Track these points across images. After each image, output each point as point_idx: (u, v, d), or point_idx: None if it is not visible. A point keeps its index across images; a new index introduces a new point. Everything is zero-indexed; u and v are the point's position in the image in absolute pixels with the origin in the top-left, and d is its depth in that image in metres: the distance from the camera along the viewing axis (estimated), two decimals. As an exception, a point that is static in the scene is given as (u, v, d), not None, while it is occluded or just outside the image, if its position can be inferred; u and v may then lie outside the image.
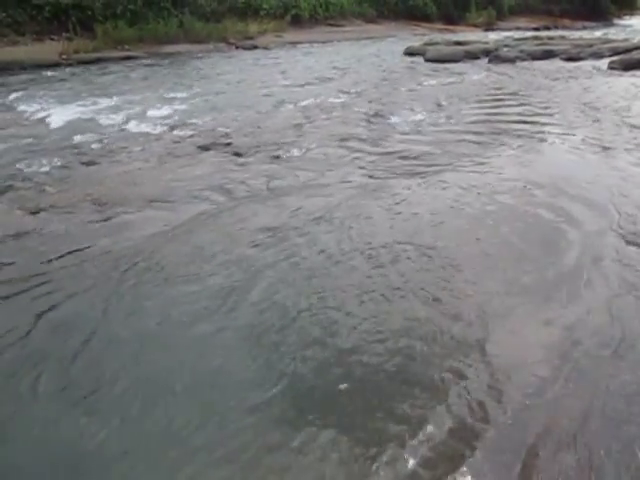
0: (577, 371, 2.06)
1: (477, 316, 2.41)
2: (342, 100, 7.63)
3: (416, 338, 2.26)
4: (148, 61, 13.14)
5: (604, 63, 11.20)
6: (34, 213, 3.79)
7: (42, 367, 2.16)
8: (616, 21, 31.48)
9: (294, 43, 17.08)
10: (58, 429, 1.86)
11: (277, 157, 4.91)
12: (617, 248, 3.05)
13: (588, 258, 2.94)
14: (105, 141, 5.62)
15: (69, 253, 3.14)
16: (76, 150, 5.32)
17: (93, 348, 2.26)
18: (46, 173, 4.66)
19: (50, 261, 3.05)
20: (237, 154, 5.02)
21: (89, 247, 3.23)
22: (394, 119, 6.28)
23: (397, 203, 3.76)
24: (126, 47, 14.39)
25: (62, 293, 2.70)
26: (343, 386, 2.00)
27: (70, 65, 12.47)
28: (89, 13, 14.87)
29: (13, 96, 8.34)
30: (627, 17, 33.95)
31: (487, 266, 2.87)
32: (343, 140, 5.44)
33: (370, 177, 4.32)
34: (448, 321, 2.38)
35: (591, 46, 13.74)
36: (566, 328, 2.32)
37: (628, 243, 3.11)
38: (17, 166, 4.79)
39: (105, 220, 3.64)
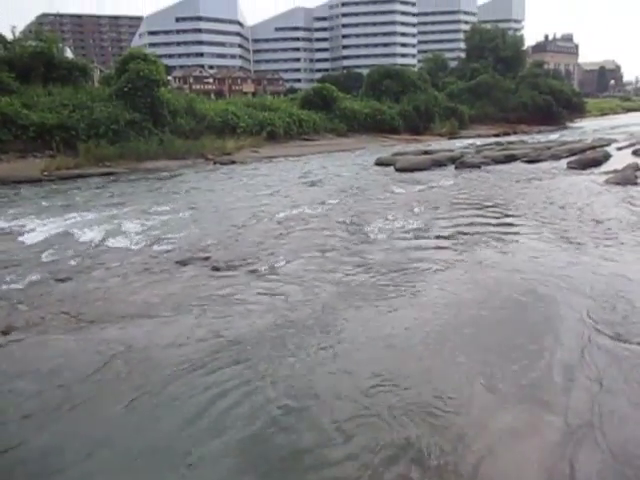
0: None
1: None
2: (318, 211, 7.78)
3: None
4: (128, 177, 13.53)
5: (563, 163, 12.00)
6: (5, 333, 3.68)
7: None
8: (569, 124, 34.14)
9: (270, 157, 17.87)
10: None
11: (255, 271, 4.89)
12: (593, 340, 3.24)
13: (567, 349, 3.10)
14: (82, 256, 5.59)
15: (38, 376, 3.02)
16: (52, 266, 5.28)
17: None
18: (20, 290, 4.59)
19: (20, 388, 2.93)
20: (215, 269, 4.99)
21: (60, 367, 3.12)
22: (369, 227, 6.42)
23: (379, 313, 3.80)
24: (107, 163, 14.87)
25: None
26: None
27: (51, 181, 12.78)
28: (73, 133, 15.52)
29: (-9, 212, 8.41)
30: (578, 120, 36.99)
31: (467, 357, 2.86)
32: (319, 252, 5.50)
33: (348, 289, 4.36)
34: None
35: (549, 148, 14.82)
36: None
37: (605, 335, 3.30)
38: (-11, 284, 4.72)
39: (78, 338, 3.55)
